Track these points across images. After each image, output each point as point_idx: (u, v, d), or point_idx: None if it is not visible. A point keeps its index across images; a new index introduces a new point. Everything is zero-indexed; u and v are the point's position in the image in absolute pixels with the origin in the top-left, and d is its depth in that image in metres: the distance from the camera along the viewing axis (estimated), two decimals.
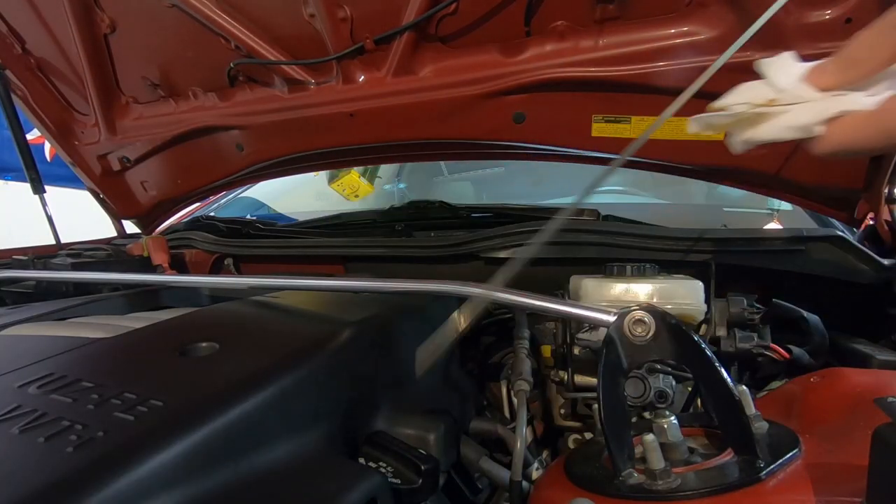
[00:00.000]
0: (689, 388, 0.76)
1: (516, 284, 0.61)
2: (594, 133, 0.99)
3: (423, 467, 0.56)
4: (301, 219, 1.66)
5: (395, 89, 1.05)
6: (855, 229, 0.95)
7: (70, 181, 1.84)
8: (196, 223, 1.50)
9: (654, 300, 0.70)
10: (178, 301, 1.02)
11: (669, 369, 0.74)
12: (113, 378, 0.54)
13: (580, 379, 0.80)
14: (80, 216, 2.10)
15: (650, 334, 0.49)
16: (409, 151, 1.26)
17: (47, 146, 2.63)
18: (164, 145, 1.38)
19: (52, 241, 1.43)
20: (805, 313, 0.74)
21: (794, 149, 0.89)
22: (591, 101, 0.96)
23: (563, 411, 0.86)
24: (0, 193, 4.11)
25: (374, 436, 0.62)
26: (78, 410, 0.46)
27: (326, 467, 0.52)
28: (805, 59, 0.46)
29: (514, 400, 0.72)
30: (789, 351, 0.72)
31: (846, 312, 0.82)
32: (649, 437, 0.45)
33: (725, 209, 1.58)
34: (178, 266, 1.38)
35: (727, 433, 0.49)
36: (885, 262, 0.81)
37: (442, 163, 2.15)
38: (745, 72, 0.86)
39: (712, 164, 0.97)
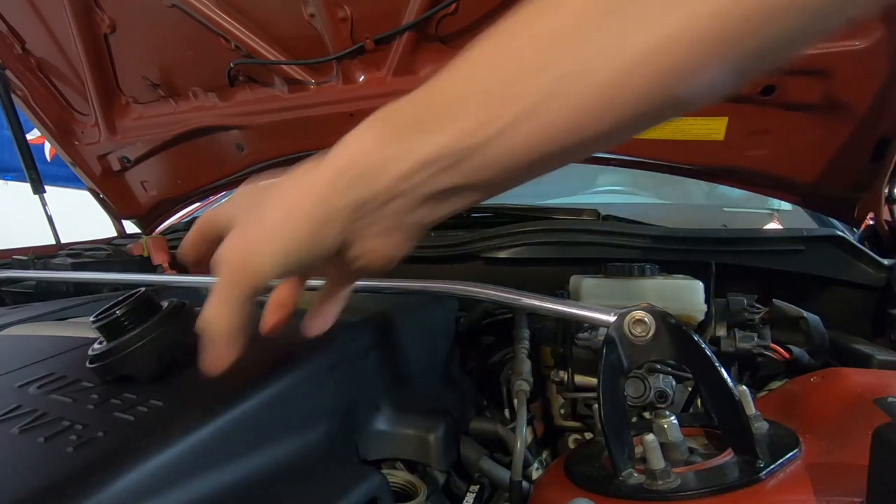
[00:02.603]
0: (690, 388, 0.76)
1: (516, 284, 0.61)
2: None
3: None
4: None
5: (396, 89, 1.05)
6: (855, 229, 0.95)
7: (70, 181, 1.84)
8: None
9: (654, 300, 0.70)
10: None
11: (669, 369, 0.74)
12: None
13: (580, 379, 0.80)
14: (80, 216, 2.10)
15: (650, 334, 0.49)
16: None
17: (47, 146, 2.63)
18: (164, 145, 1.38)
19: (52, 241, 1.43)
20: (805, 313, 0.74)
21: (794, 149, 0.89)
22: None
23: (563, 411, 0.86)
24: (0, 193, 4.12)
25: None
26: (78, 410, 0.46)
27: (326, 467, 0.52)
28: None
29: (514, 400, 0.72)
30: (789, 351, 0.72)
31: (846, 312, 0.82)
32: (649, 437, 0.45)
33: (725, 209, 1.58)
34: (178, 266, 1.38)
35: (727, 433, 0.49)
36: (885, 262, 0.81)
37: None
38: None
39: (712, 164, 0.97)
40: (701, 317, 0.72)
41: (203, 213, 0.44)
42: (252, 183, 0.40)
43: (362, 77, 1.08)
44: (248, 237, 0.36)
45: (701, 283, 0.72)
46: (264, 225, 0.35)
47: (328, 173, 0.34)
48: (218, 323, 0.39)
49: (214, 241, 0.41)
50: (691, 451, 0.50)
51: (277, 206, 0.35)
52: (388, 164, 0.33)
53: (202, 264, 0.45)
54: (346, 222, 0.34)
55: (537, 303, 0.56)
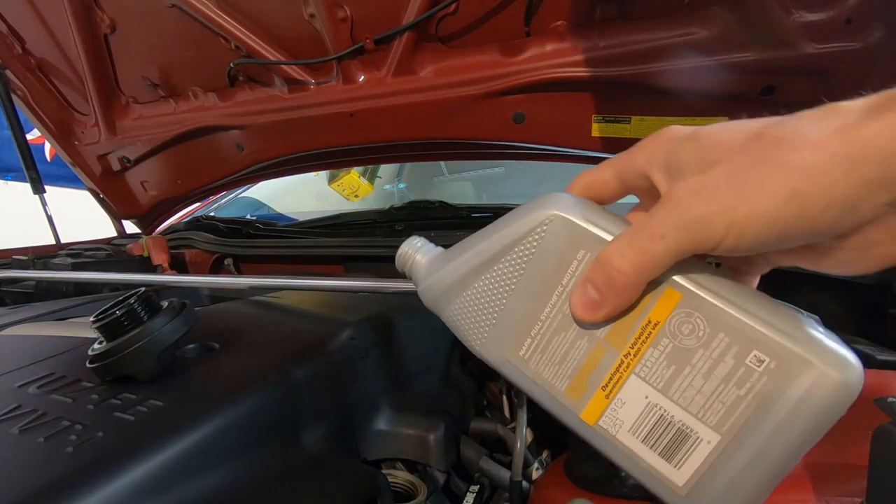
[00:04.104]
0: None
1: None
2: (594, 133, 0.99)
3: None
4: (301, 219, 1.66)
5: (395, 89, 1.05)
6: None
7: (70, 181, 1.84)
8: (196, 223, 1.50)
9: None
10: None
11: None
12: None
13: None
14: (80, 216, 2.10)
15: None
16: (409, 151, 1.26)
17: (47, 146, 2.63)
18: (164, 145, 1.38)
19: (52, 241, 1.44)
20: (805, 313, 0.74)
21: None
22: (591, 101, 0.96)
23: None
24: (0, 193, 4.12)
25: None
26: (78, 410, 0.46)
27: (326, 467, 0.52)
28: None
29: (514, 400, 0.72)
30: None
31: (846, 312, 0.82)
32: None
33: None
34: (178, 266, 1.38)
35: None
36: None
37: (442, 163, 2.15)
38: (746, 72, 0.86)
39: None
40: None
41: (641, 147, 0.32)
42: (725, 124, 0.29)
43: (362, 77, 1.08)
44: (731, 185, 0.26)
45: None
46: (766, 175, 0.26)
47: None
48: (623, 262, 0.29)
49: (631, 186, 0.33)
50: None
51: (795, 155, 0.25)
52: None
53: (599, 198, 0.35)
54: (892, 206, 0.25)
55: None
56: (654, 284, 0.30)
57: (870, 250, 0.27)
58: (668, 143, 0.30)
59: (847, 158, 0.24)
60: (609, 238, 0.31)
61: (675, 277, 0.29)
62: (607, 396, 0.31)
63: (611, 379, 0.31)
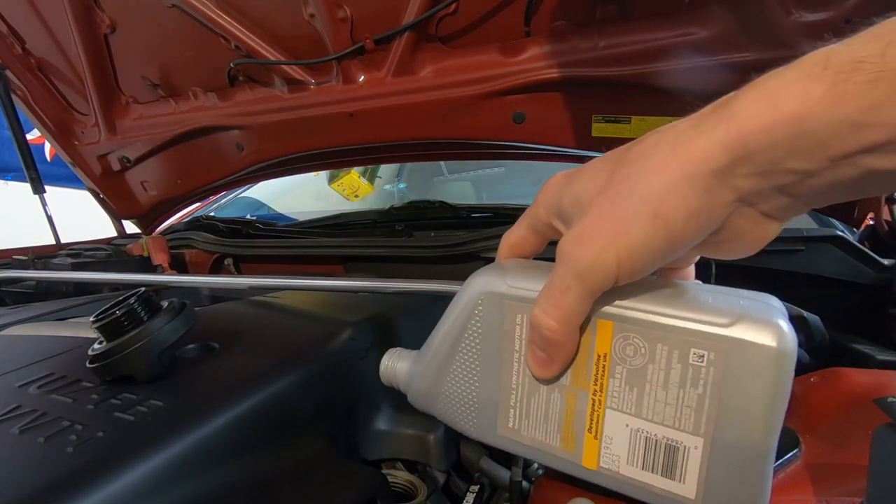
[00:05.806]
0: None
1: None
2: (594, 133, 0.99)
3: None
4: (301, 219, 1.66)
5: (395, 89, 1.05)
6: (855, 229, 0.95)
7: (70, 181, 1.84)
8: (196, 223, 1.50)
9: None
10: None
11: None
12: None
13: None
14: (80, 216, 2.10)
15: None
16: (409, 151, 1.26)
17: (47, 146, 2.63)
18: (164, 145, 1.38)
19: (52, 241, 1.44)
20: (805, 313, 0.74)
21: None
22: (591, 101, 0.96)
23: None
24: (0, 193, 4.12)
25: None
26: (78, 410, 0.46)
27: (326, 467, 0.52)
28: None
29: None
30: None
31: (846, 312, 0.82)
32: None
33: None
34: (178, 266, 1.38)
35: None
36: (885, 262, 0.81)
37: (442, 163, 2.16)
38: (746, 72, 0.86)
39: None
40: None
41: (539, 199, 0.35)
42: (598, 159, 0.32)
43: (362, 77, 1.08)
44: (604, 226, 0.29)
45: (701, 283, 0.72)
46: (628, 208, 0.28)
47: (729, 137, 0.26)
48: (549, 321, 0.32)
49: (546, 235, 0.37)
50: None
51: (644, 183, 0.28)
52: (841, 132, 0.23)
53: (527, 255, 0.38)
54: (740, 202, 0.28)
55: None
56: (587, 321, 0.32)
57: (742, 238, 0.30)
58: (554, 192, 0.34)
59: (686, 176, 0.27)
60: (535, 296, 0.32)
61: (602, 308, 0.31)
62: (595, 437, 0.33)
63: (591, 420, 0.33)
